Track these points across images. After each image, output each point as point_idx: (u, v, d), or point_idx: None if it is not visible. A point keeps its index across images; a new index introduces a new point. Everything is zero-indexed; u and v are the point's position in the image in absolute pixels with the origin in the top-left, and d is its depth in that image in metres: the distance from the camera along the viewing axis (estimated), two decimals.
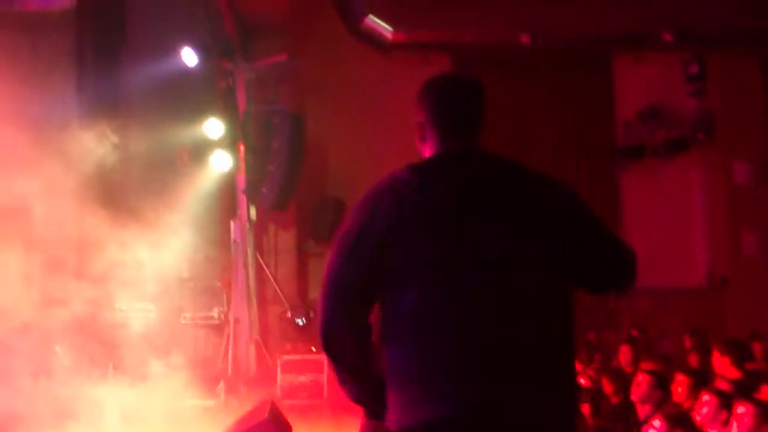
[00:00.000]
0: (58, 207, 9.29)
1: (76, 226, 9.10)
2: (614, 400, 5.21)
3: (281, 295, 8.75)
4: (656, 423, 3.80)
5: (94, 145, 8.96)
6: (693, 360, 6.14)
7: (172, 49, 8.35)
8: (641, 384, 4.60)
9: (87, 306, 8.24)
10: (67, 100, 8.47)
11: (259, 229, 8.84)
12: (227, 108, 8.52)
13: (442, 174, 2.06)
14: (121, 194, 8.71)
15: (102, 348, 7.79)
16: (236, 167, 8.53)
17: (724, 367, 5.07)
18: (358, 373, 2.10)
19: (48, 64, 8.73)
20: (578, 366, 5.48)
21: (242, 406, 6.61)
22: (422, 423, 1.92)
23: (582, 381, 5.33)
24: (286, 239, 9.03)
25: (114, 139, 8.79)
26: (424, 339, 1.95)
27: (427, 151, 2.16)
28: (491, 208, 2.01)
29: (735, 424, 3.78)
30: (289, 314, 8.28)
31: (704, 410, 4.01)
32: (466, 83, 2.21)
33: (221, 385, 7.73)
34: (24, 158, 7.97)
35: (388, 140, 8.74)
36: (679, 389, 4.56)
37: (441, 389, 1.92)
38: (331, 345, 2.08)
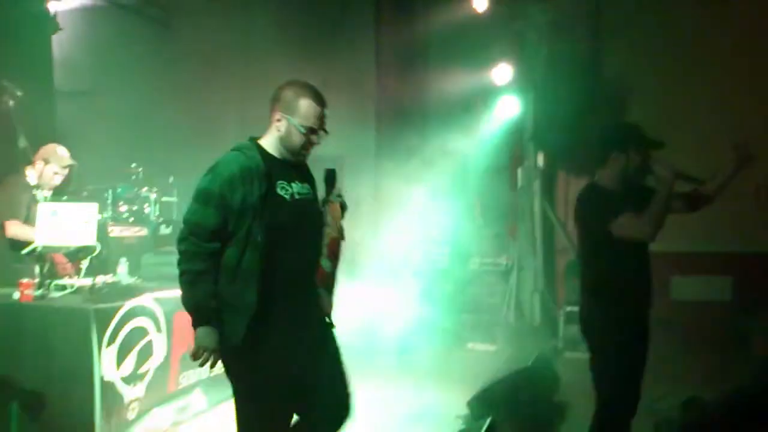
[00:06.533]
0: (360, 156, 9.92)
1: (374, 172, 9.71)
2: None
3: (570, 246, 8.47)
4: None
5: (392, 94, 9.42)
6: None
7: None
8: None
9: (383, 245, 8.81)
10: (366, 52, 8.97)
11: (548, 176, 8.60)
12: (517, 52, 8.34)
13: None
14: (419, 142, 9.04)
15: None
16: (525, 112, 8.35)
17: None
18: None
19: (353, 19, 9.31)
20: None
21: (520, 354, 6.61)
22: None
23: None
24: (577, 187, 8.65)
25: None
26: None
27: None
28: None
29: None
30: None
31: None
32: None
33: (501, 331, 7.79)
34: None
35: (700, 81, 7.96)
36: None
37: None
38: None
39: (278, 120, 3.03)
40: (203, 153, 9.40)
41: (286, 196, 2.96)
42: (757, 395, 4.65)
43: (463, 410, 4.96)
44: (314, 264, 3.00)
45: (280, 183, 2.96)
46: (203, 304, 2.90)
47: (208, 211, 2.88)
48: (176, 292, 4.90)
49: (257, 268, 2.85)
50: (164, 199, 8.35)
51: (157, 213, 8.05)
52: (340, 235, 3.05)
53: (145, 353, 4.51)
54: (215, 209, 2.87)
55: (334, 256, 3.05)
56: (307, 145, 3.05)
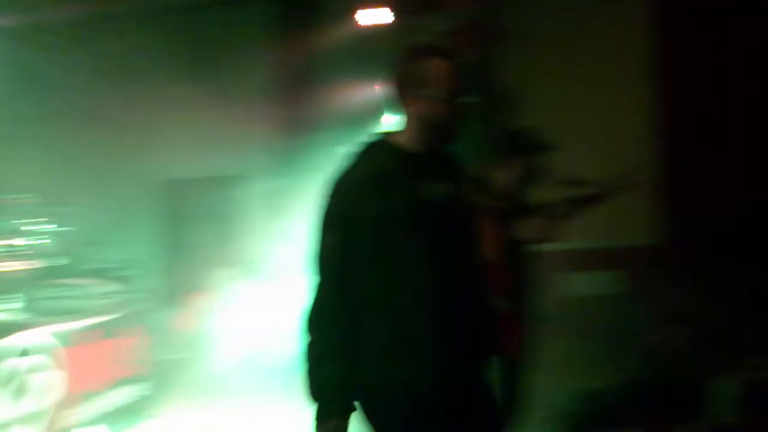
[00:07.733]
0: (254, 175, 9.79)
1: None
2: None
3: None
4: None
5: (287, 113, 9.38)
6: None
7: (361, 7, 8.49)
8: None
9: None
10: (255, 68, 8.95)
11: None
12: None
13: None
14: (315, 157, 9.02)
15: None
16: None
17: None
18: None
19: (239, 35, 9.26)
20: None
21: None
22: None
23: None
24: None
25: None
26: None
27: None
28: None
29: None
30: None
31: None
32: None
33: None
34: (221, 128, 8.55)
35: (588, 91, 8.26)
36: None
37: None
38: None
39: (410, 102, 2.31)
40: (103, 179, 9.16)
41: (419, 202, 2.26)
42: (648, 382, 4.92)
43: None
44: (467, 295, 2.30)
45: (409, 184, 2.26)
46: (328, 393, 2.21)
47: (327, 237, 2.25)
48: (72, 326, 4.77)
49: (408, 291, 2.20)
50: (60, 228, 8.05)
51: (50, 243, 7.71)
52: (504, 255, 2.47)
53: (43, 390, 4.36)
54: (333, 234, 2.24)
55: (503, 288, 2.41)
56: (456, 114, 2.30)
